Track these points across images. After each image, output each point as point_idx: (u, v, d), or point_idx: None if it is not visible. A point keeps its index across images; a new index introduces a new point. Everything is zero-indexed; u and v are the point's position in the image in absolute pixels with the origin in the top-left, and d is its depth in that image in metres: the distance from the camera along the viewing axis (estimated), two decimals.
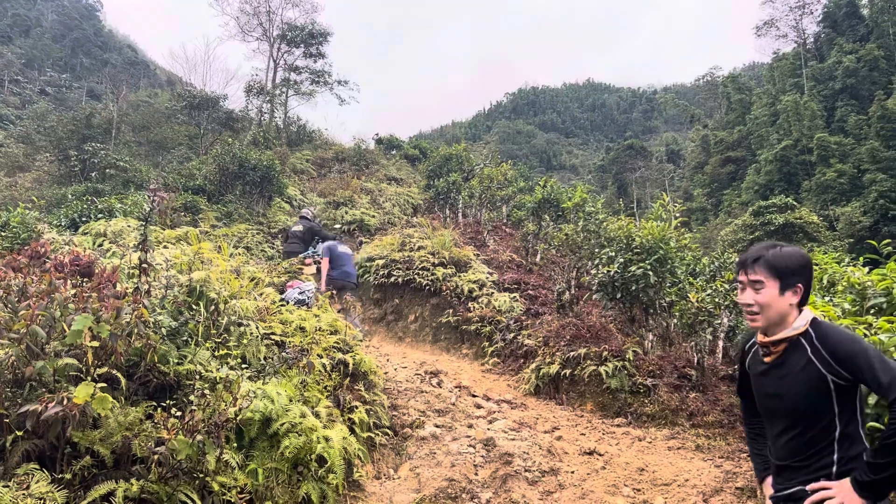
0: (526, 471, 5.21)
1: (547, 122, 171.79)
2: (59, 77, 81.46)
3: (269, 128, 30.72)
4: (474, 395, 7.52)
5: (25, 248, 4.16)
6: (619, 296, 8.12)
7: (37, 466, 3.12)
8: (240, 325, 4.89)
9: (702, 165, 74.47)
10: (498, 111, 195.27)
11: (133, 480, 3.29)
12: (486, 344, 9.60)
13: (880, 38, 62.36)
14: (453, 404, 6.83)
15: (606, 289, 8.27)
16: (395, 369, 8.09)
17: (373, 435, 5.43)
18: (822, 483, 2.22)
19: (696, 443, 6.19)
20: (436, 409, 6.55)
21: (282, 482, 4.08)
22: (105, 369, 3.58)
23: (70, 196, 15.72)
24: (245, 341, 4.79)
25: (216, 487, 3.57)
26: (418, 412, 6.34)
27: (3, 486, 2.87)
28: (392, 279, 11.49)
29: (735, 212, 54.51)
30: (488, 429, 6.19)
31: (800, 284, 2.32)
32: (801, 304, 2.35)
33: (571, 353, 7.90)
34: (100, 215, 11.07)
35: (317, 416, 4.62)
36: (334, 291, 9.55)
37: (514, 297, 10.50)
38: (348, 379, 5.67)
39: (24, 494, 2.86)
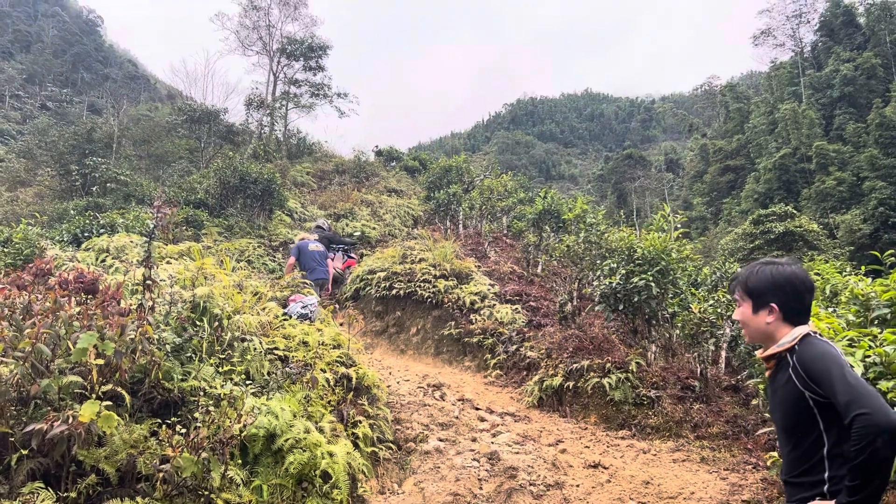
0: (531, 485, 5.20)
1: (546, 132, 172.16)
2: (60, 92, 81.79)
3: (270, 141, 30.80)
4: (477, 408, 7.50)
5: (30, 265, 4.17)
6: (621, 307, 8.12)
7: (42, 485, 3.11)
8: (243, 340, 4.89)
9: (701, 174, 74.61)
10: (497, 122, 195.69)
11: (138, 498, 3.29)
12: (489, 356, 9.58)
13: (877, 46, 62.63)
14: (457, 417, 6.82)
15: (609, 300, 8.26)
16: (398, 382, 8.08)
17: (376, 449, 5.41)
18: (815, 503, 2.21)
19: (701, 455, 6.17)
20: (439, 423, 6.54)
21: (286, 498, 4.07)
22: (109, 386, 3.58)
23: (72, 211, 15.74)
24: (249, 357, 4.78)
25: None
26: (422, 426, 6.33)
27: None
28: (394, 292, 11.48)
29: (735, 220, 54.56)
30: (492, 442, 6.17)
31: (773, 304, 2.38)
32: (790, 321, 2.37)
33: (574, 365, 7.89)
34: (102, 230, 11.08)
35: (321, 431, 4.61)
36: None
37: (516, 308, 10.49)
38: (351, 393, 5.66)
39: None
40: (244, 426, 3.89)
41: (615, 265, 8.37)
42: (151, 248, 4.26)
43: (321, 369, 5.48)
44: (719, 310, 7.49)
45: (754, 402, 6.39)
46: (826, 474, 2.21)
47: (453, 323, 10.46)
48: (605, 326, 9.01)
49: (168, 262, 6.41)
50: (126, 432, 3.54)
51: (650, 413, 7.06)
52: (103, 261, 8.01)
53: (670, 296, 8.15)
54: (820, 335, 2.35)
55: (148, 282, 4.14)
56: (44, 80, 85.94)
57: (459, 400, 7.70)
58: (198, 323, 4.60)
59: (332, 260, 12.47)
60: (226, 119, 29.21)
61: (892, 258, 5.75)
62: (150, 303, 4.15)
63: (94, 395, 3.42)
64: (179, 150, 28.99)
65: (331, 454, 4.37)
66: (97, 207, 16.09)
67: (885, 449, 1.93)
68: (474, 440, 6.21)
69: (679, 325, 7.96)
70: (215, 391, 4.13)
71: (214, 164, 19.25)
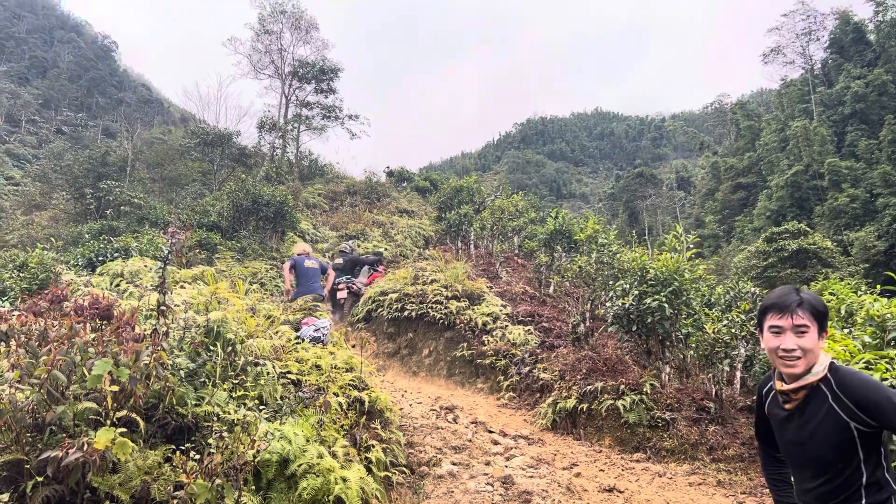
0: None
1: (556, 151, 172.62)
2: (76, 116, 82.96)
3: (282, 163, 31.07)
4: (491, 431, 7.46)
5: (45, 291, 4.21)
6: (634, 328, 8.07)
7: None
8: (256, 364, 4.89)
9: (712, 192, 74.38)
10: (507, 141, 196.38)
11: None
12: (502, 378, 9.53)
13: (888, 62, 62.42)
14: (470, 441, 6.77)
15: (622, 321, 8.22)
16: (411, 405, 8.05)
17: (390, 474, 5.38)
18: None
19: (718, 478, 6.09)
20: (452, 446, 6.50)
21: None
22: (124, 412, 3.59)
23: (86, 234, 15.90)
24: (262, 381, 4.78)
25: None
26: (435, 449, 6.29)
27: None
28: (406, 313, 11.48)
29: (747, 238, 54.26)
30: (506, 466, 6.13)
31: (825, 330, 2.31)
32: None
33: (588, 387, 7.84)
34: (116, 255, 11.17)
35: (334, 456, 4.59)
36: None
37: (529, 329, 10.45)
38: (364, 417, 5.64)
39: None
40: (257, 451, 3.88)
41: (628, 286, 8.34)
42: (166, 274, 4.30)
43: (334, 393, 5.47)
44: (733, 330, 7.43)
45: None
46: (863, 501, 2.18)
47: (465, 344, 10.43)
48: (618, 347, 8.97)
49: (182, 287, 6.45)
50: (140, 458, 3.54)
51: (665, 435, 6.99)
52: (117, 285, 8.07)
53: (684, 316, 8.10)
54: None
55: (162, 307, 4.16)
56: (59, 104, 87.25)
57: (472, 423, 7.66)
58: (211, 348, 4.61)
59: (354, 276, 13.64)
60: (238, 142, 29.53)
61: None
62: (165, 328, 4.17)
63: (108, 422, 3.43)
64: (192, 172, 29.29)
65: (344, 479, 4.35)
66: (111, 230, 16.24)
67: None
68: (488, 464, 6.16)
69: (693, 345, 7.90)
70: (229, 416, 4.13)
71: (227, 187, 19.42)
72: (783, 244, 34.37)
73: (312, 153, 34.58)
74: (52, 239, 14.77)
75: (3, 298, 8.32)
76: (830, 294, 7.32)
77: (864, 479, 2.17)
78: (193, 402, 4.15)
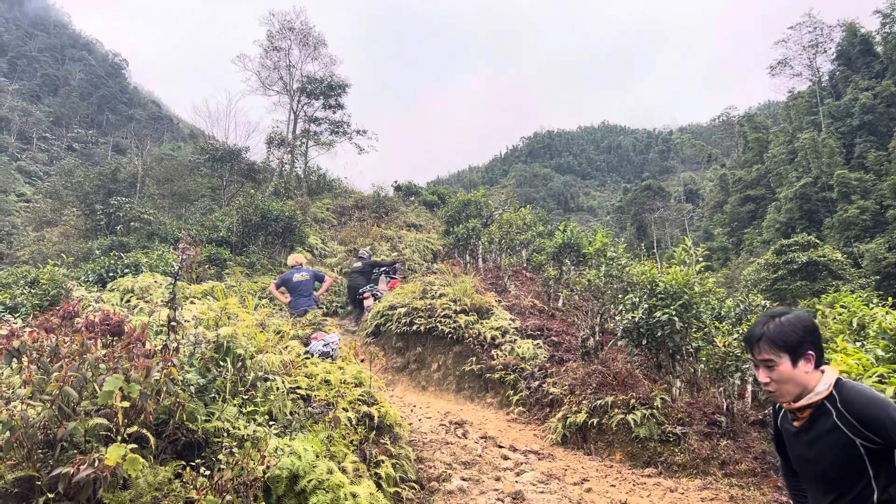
0: None
1: (563, 164, 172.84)
2: (86, 133, 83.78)
3: (290, 178, 31.23)
4: (501, 446, 7.42)
5: (57, 308, 4.24)
6: (644, 342, 8.03)
7: None
8: (266, 380, 4.90)
9: (721, 205, 74.23)
10: (514, 155, 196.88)
11: None
12: (511, 392, 9.49)
13: None
14: (480, 456, 6.74)
15: (631, 335, 8.19)
16: (420, 420, 8.03)
17: (399, 489, 5.35)
18: None
19: (730, 493, 6.03)
20: (462, 462, 6.47)
21: None
22: (135, 428, 3.60)
23: (97, 250, 16.00)
24: (272, 396, 4.79)
25: None
26: (444, 465, 6.26)
27: None
28: (414, 327, 11.46)
29: (757, 250, 54.07)
30: (516, 481, 6.09)
31: (810, 351, 2.28)
32: (818, 366, 2.30)
33: (598, 402, 7.80)
34: (126, 270, 11.23)
35: (343, 471, 4.58)
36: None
37: (538, 343, 10.41)
38: (374, 432, 5.63)
39: None
40: (267, 467, 3.88)
41: (637, 299, 8.31)
42: (176, 290, 4.32)
43: (343, 408, 5.46)
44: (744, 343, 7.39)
45: None
46: None
47: (474, 359, 10.39)
48: (628, 361, 8.92)
49: (192, 302, 6.47)
50: (151, 475, 3.54)
51: (676, 450, 6.93)
52: (128, 301, 8.10)
53: (694, 330, 8.06)
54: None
55: (172, 323, 4.18)
56: (70, 121, 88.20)
57: (482, 437, 7.63)
58: (221, 363, 4.62)
59: (377, 283, 14.23)
60: (247, 157, 29.76)
61: None
62: (175, 344, 4.18)
63: (119, 438, 3.44)
64: (202, 188, 29.47)
65: (354, 495, 4.34)
66: (121, 246, 16.34)
67: None
68: (498, 479, 6.13)
69: (703, 359, 7.86)
70: (239, 432, 4.13)
71: (236, 202, 19.54)
72: (793, 256, 34.20)
73: (321, 168, 34.84)
74: (63, 255, 14.87)
75: (15, 314, 8.38)
76: (842, 307, 7.27)
77: (875, 496, 2.15)
78: (203, 418, 4.16)
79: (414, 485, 5.63)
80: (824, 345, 2.43)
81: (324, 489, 4.20)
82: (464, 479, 5.96)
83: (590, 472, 6.75)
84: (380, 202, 26.72)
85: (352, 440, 5.26)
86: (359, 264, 14.61)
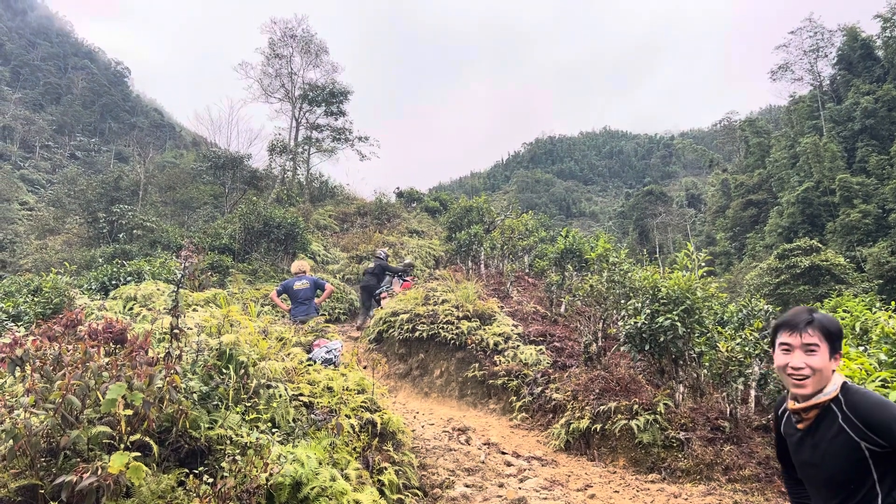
0: None
1: (565, 170, 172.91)
2: (89, 141, 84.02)
3: (293, 185, 31.28)
4: (504, 453, 7.40)
5: (60, 316, 4.25)
6: (647, 347, 8.02)
7: None
8: (269, 387, 4.90)
9: (723, 209, 74.18)
10: (516, 161, 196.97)
11: None
12: (514, 398, 9.47)
13: None
14: (483, 462, 6.73)
15: (634, 340, 8.17)
16: (423, 426, 8.01)
17: (403, 496, 5.35)
18: None
19: (734, 499, 6.01)
20: (465, 468, 6.46)
21: None
22: (137, 436, 3.60)
23: (99, 258, 16.03)
24: (274, 404, 4.78)
25: None
26: (447, 471, 6.25)
27: None
28: (417, 334, 11.46)
29: (759, 255, 54.01)
30: (519, 488, 6.08)
31: (840, 350, 2.30)
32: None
33: (601, 407, 7.78)
34: (129, 278, 11.25)
35: (346, 478, 4.57)
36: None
37: (541, 349, 10.40)
38: (377, 439, 5.63)
39: None
40: (270, 475, 3.88)
41: (640, 304, 8.30)
42: (178, 297, 4.32)
43: (346, 415, 5.46)
44: (747, 348, 7.37)
45: None
46: None
47: (477, 365, 10.38)
48: (631, 367, 8.91)
49: (194, 310, 6.48)
50: (154, 483, 3.54)
51: (680, 455, 6.91)
52: (131, 309, 8.12)
53: (697, 335, 8.04)
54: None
55: (175, 331, 4.19)
56: (73, 130, 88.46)
57: (485, 444, 7.61)
58: (224, 371, 4.62)
59: (393, 285, 14.96)
60: (249, 165, 29.82)
61: None
62: (178, 351, 4.19)
63: (122, 446, 3.44)
64: (204, 195, 29.54)
65: (357, 502, 4.33)
66: (124, 254, 16.37)
67: None
68: (501, 486, 6.12)
69: (706, 364, 7.84)
70: (241, 439, 4.12)
71: (239, 210, 19.57)
72: (795, 261, 34.17)
73: (323, 175, 34.92)
74: (66, 263, 14.90)
75: (18, 323, 8.39)
76: (844, 311, 7.26)
77: (879, 500, 2.14)
78: (206, 426, 4.16)
79: (417, 492, 5.62)
80: None
81: (327, 496, 4.20)
82: (467, 486, 5.96)
83: (593, 479, 6.74)
84: (382, 208, 26.75)
85: (355, 447, 5.26)
86: (372, 265, 15.29)
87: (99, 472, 3.15)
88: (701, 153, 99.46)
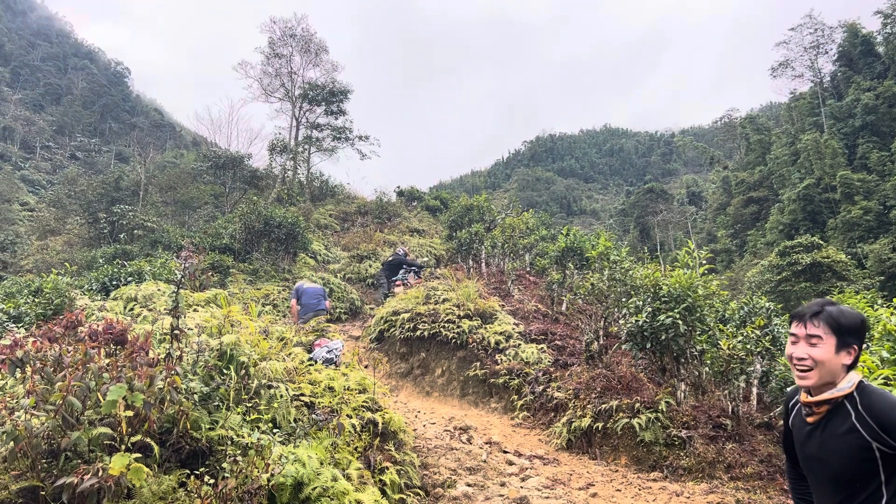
0: None
1: (566, 168, 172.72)
2: (89, 142, 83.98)
3: (293, 184, 31.27)
4: (505, 451, 7.40)
5: (60, 317, 4.24)
6: (648, 345, 8.01)
7: None
8: (269, 387, 4.89)
9: (724, 206, 74.10)
10: (516, 159, 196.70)
11: None
12: (515, 397, 9.46)
13: None
14: (484, 461, 6.72)
15: (635, 338, 8.16)
16: (424, 426, 8.01)
17: (404, 496, 5.34)
18: None
19: (736, 497, 6.00)
20: (467, 467, 6.45)
21: None
22: (138, 437, 3.59)
23: (100, 259, 16.02)
24: (275, 404, 4.78)
25: None
26: (449, 471, 6.24)
27: None
28: (418, 333, 11.45)
29: (760, 252, 53.93)
30: (521, 487, 6.07)
31: (855, 345, 2.26)
32: (852, 366, 2.27)
33: (603, 406, 7.77)
34: (129, 279, 11.24)
35: (348, 478, 4.57)
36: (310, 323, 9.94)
37: (542, 348, 10.38)
38: (378, 439, 5.62)
39: None
40: (272, 475, 3.87)
41: (641, 303, 8.29)
42: (179, 298, 4.32)
43: (347, 415, 5.45)
44: (749, 346, 7.37)
45: None
46: None
47: (478, 364, 10.37)
48: (632, 365, 8.89)
49: (195, 310, 6.47)
50: (155, 484, 3.54)
51: (682, 454, 6.90)
52: (131, 309, 8.11)
53: (698, 332, 8.03)
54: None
55: (176, 331, 4.18)
56: (73, 130, 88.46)
57: (487, 443, 7.61)
58: (225, 371, 4.62)
59: (405, 280, 15.96)
60: (250, 164, 29.81)
61: None
62: (178, 352, 4.18)
63: (123, 447, 3.43)
64: (204, 195, 29.52)
65: (359, 502, 4.32)
66: (125, 254, 16.37)
67: None
68: (503, 485, 6.11)
69: (708, 362, 7.84)
70: (243, 440, 4.12)
71: (239, 209, 19.55)
72: (797, 258, 34.15)
73: (323, 174, 34.89)
74: (67, 264, 14.90)
75: (19, 324, 8.38)
76: None
77: (884, 502, 2.13)
78: (207, 426, 4.15)
79: (419, 491, 5.61)
80: None
81: (328, 496, 4.19)
82: (469, 485, 5.95)
83: (595, 477, 6.73)
84: (382, 207, 26.74)
85: (356, 447, 5.25)
86: (392, 258, 16.95)
87: (100, 473, 3.15)
88: (702, 150, 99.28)
